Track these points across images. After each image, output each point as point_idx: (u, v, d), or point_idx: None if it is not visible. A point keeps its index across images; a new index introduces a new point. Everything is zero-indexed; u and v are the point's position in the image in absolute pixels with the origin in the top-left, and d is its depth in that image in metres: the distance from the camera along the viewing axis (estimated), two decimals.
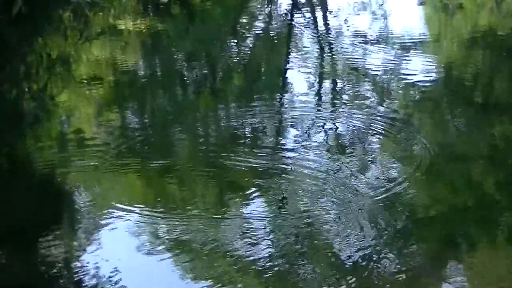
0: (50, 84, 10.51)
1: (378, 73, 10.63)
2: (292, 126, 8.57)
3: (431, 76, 10.45)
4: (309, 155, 7.62)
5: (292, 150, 7.78)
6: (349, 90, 9.99)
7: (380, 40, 12.77)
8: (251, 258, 5.70)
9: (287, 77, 10.97)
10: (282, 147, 7.97)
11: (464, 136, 8.33)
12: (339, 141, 7.99)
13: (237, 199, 6.80)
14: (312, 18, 15.12)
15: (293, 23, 14.72)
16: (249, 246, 5.87)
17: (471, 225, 6.21)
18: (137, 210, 6.52)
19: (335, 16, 15.18)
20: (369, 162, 7.42)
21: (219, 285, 5.44)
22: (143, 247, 5.92)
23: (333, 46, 12.70)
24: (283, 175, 7.20)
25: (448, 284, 5.30)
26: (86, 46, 12.30)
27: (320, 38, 13.29)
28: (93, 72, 11.28)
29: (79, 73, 11.17)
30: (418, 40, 12.71)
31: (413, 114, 9.01)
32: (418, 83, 9.99)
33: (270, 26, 14.88)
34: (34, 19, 11.49)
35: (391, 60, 11.41)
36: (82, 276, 5.57)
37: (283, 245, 5.89)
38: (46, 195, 7.07)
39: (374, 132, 8.20)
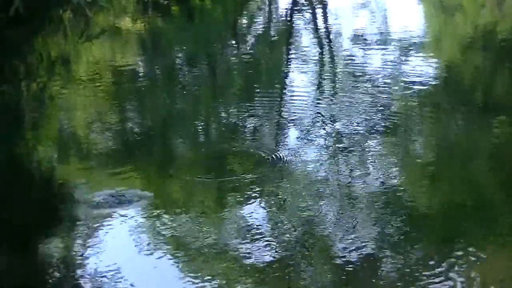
0: (50, 84, 10.53)
1: (378, 72, 10.63)
2: (291, 125, 8.59)
3: (430, 75, 10.46)
4: (309, 154, 7.64)
5: (291, 149, 7.80)
6: (349, 89, 10.01)
7: (379, 39, 12.79)
8: (251, 257, 5.73)
9: (286, 77, 10.98)
10: (282, 145, 7.98)
11: (463, 135, 8.35)
12: (339, 141, 8.00)
13: (237, 199, 6.82)
14: (312, 17, 15.15)
15: (293, 22, 14.74)
16: (248, 244, 5.90)
17: (471, 225, 6.22)
18: (137, 209, 6.54)
19: (334, 15, 15.22)
20: (368, 162, 7.43)
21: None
22: (143, 247, 5.93)
23: (332, 45, 12.72)
24: (283, 174, 7.23)
25: (448, 284, 5.31)
26: (86, 45, 12.32)
27: (320, 38, 13.31)
28: (93, 71, 11.31)
29: (79, 72, 11.20)
30: (417, 39, 12.73)
31: (412, 113, 9.02)
32: (417, 82, 10.01)
33: (269, 25, 14.90)
34: (34, 19, 11.51)
35: (390, 59, 11.41)
36: (82, 276, 5.60)
37: (282, 245, 5.92)
38: (46, 195, 7.10)
39: (373, 131, 8.22)
